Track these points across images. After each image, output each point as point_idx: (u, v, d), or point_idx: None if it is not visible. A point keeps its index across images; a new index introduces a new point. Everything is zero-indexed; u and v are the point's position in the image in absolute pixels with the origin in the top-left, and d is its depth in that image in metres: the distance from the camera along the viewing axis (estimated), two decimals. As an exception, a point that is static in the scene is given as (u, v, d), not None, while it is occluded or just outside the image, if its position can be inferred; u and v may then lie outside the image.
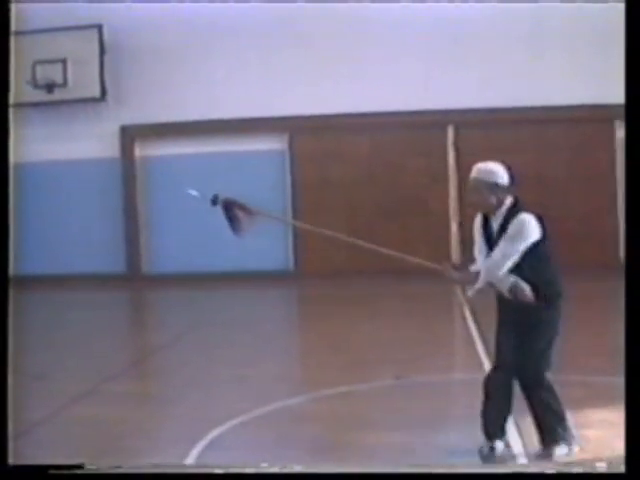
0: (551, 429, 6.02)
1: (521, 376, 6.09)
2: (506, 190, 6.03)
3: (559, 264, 6.12)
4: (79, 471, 4.20)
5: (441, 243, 17.98)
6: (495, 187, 6.00)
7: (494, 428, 6.11)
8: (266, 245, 18.60)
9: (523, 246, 5.87)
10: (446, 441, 6.47)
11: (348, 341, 10.96)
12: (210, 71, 18.32)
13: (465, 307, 13.27)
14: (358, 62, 17.98)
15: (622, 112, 17.59)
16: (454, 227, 18.15)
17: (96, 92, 18.34)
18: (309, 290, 17.07)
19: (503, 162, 6.23)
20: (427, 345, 10.41)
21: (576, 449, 5.98)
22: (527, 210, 6.00)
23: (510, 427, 6.46)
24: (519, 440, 6.28)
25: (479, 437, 6.49)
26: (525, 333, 6.02)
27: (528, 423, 6.23)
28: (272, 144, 18.75)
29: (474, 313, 12.49)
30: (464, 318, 12.34)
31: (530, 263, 5.93)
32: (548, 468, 4.42)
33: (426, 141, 18.31)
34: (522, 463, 5.50)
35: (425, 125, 18.08)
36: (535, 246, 5.92)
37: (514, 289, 5.90)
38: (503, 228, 5.94)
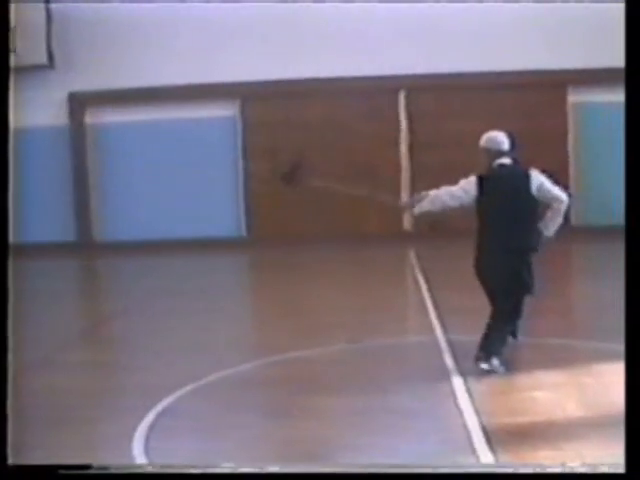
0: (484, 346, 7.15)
1: None
2: (502, 154, 7.33)
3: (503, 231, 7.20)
4: (82, 471, 4.20)
5: (392, 209, 18.01)
6: (488, 152, 7.36)
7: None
8: (218, 211, 18.58)
9: (458, 193, 7.25)
10: (399, 403, 6.50)
11: (301, 306, 10.97)
12: (160, 37, 18.11)
13: (417, 271, 13.35)
14: (309, 28, 17.88)
15: (575, 77, 17.65)
16: (405, 193, 18.17)
17: (43, 59, 18.09)
18: (261, 256, 17.06)
19: (506, 130, 7.52)
20: (380, 309, 10.46)
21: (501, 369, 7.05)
22: (497, 171, 7.30)
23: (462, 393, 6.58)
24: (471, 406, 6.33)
25: (432, 398, 6.57)
26: None
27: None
28: (223, 110, 18.62)
29: (426, 276, 12.57)
30: (416, 281, 12.41)
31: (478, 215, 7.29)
32: (548, 468, 4.46)
33: (378, 107, 18.30)
34: (520, 463, 5.48)
35: (377, 90, 18.06)
36: (480, 202, 7.23)
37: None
38: (521, 179, 7.24)
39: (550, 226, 7.29)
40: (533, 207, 7.22)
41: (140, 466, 4.65)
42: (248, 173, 18.57)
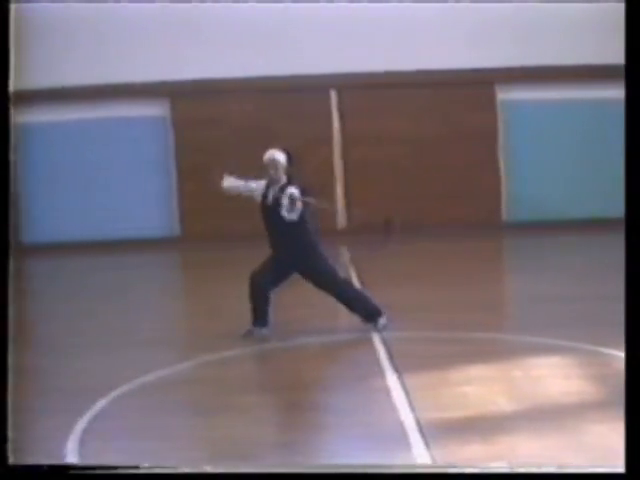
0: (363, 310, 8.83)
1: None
2: (285, 168, 8.81)
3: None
4: (83, 472, 4.13)
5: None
6: (278, 165, 8.80)
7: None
8: (151, 211, 18.43)
9: (253, 187, 9.16)
10: (331, 401, 6.52)
11: (232, 306, 10.88)
12: (88, 36, 17.88)
13: (351, 269, 13.37)
14: (239, 26, 17.82)
15: (502, 75, 17.82)
16: (339, 190, 18.24)
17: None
18: (193, 255, 16.96)
19: (284, 148, 8.96)
20: (312, 306, 10.44)
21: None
22: (294, 185, 8.66)
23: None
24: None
25: (365, 395, 6.60)
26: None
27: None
28: (153, 110, 18.46)
29: (359, 274, 12.60)
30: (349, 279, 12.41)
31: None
32: (546, 468, 4.48)
33: (309, 105, 18.33)
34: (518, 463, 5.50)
35: (308, 89, 18.08)
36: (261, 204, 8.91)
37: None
38: (281, 191, 8.66)
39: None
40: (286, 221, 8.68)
41: (141, 467, 4.59)
42: (179, 171, 18.43)
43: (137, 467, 4.51)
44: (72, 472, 4.07)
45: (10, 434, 5.87)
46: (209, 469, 4.28)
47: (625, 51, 4.08)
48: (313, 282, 9.00)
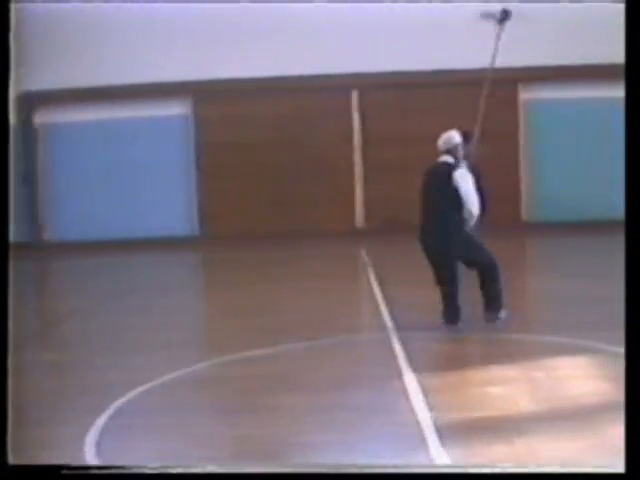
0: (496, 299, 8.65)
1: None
2: (442, 152, 8.97)
3: None
4: (83, 472, 4.14)
5: (346, 203, 18.16)
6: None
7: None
8: (171, 211, 18.51)
9: None
10: (353, 400, 6.51)
11: (255, 305, 10.94)
12: (111, 37, 17.97)
13: (369, 268, 13.39)
14: (265, 25, 17.85)
15: (525, 75, 17.77)
16: (358, 188, 18.25)
17: (-8, 57, 17.86)
18: (214, 255, 17.02)
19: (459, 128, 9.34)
20: (334, 306, 10.46)
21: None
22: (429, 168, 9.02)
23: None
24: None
25: (385, 395, 6.59)
26: None
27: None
28: (175, 109, 18.55)
29: (378, 273, 12.61)
30: (368, 279, 12.43)
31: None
32: (547, 468, 4.47)
33: (332, 105, 18.35)
34: (519, 463, 5.50)
35: (330, 89, 18.10)
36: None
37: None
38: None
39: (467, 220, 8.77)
40: (450, 200, 8.60)
41: (141, 467, 4.61)
42: (201, 170, 18.52)
43: (140, 467, 4.51)
44: (72, 472, 4.06)
45: (26, 431, 5.92)
46: (216, 469, 4.27)
47: (625, 51, 4.05)
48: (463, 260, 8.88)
